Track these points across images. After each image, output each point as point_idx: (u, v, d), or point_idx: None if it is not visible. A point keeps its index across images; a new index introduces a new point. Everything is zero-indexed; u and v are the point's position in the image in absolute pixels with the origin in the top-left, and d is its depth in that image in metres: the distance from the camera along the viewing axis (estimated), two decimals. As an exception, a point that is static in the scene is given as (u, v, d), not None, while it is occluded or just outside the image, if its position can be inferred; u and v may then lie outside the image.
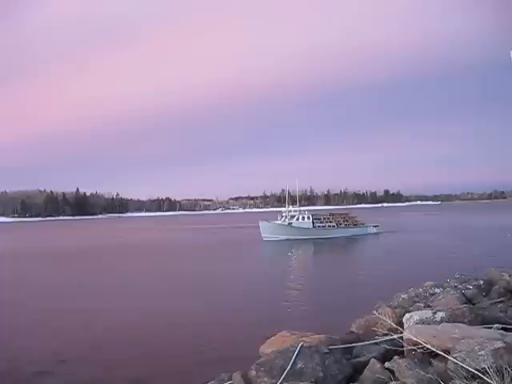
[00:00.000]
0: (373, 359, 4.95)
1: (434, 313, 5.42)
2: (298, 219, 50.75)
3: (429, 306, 6.45)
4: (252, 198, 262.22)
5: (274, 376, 4.89)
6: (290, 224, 50.45)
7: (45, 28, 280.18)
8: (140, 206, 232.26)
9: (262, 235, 48.80)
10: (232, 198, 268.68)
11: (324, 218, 52.33)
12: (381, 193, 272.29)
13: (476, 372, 3.76)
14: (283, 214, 52.28)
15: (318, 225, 51.20)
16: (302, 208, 57.61)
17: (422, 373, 4.24)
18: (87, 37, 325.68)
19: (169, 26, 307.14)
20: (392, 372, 4.58)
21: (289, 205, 55.96)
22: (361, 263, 30.46)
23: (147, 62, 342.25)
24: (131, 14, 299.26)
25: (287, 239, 47.40)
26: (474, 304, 6.58)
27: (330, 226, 51.50)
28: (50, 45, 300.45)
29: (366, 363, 4.99)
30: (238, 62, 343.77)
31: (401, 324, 5.54)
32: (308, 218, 50.92)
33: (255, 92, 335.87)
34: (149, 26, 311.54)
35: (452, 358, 4.08)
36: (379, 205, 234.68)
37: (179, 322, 15.41)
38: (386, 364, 4.74)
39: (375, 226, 54.90)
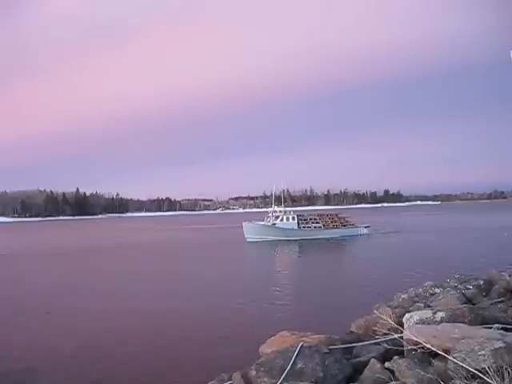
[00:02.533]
0: (373, 359, 4.95)
1: (434, 313, 5.42)
2: (282, 220, 50.12)
3: (429, 306, 6.44)
4: (252, 198, 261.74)
5: (274, 376, 4.89)
6: (273, 225, 49.87)
7: (44, 27, 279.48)
8: (140, 206, 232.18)
9: (245, 236, 48.46)
10: (232, 198, 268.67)
11: (310, 219, 51.48)
12: (381, 193, 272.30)
13: (476, 372, 3.76)
14: (269, 215, 51.82)
15: (303, 225, 50.46)
16: (287, 208, 56.85)
17: (422, 373, 4.24)
18: (87, 37, 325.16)
19: (169, 26, 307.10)
20: (392, 372, 4.57)
21: (274, 205, 55.52)
22: (359, 263, 30.42)
23: (148, 62, 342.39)
24: (132, 14, 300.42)
25: (271, 240, 46.95)
26: (474, 304, 6.58)
27: (315, 227, 50.75)
28: (50, 44, 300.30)
29: (366, 363, 4.98)
30: (238, 63, 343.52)
31: (401, 324, 5.52)
32: (293, 218, 50.23)
33: (255, 92, 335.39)
34: (149, 26, 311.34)
35: (452, 358, 4.08)
36: (379, 205, 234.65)
37: (179, 323, 15.41)
38: (386, 364, 4.73)
39: (366, 227, 53.89)
